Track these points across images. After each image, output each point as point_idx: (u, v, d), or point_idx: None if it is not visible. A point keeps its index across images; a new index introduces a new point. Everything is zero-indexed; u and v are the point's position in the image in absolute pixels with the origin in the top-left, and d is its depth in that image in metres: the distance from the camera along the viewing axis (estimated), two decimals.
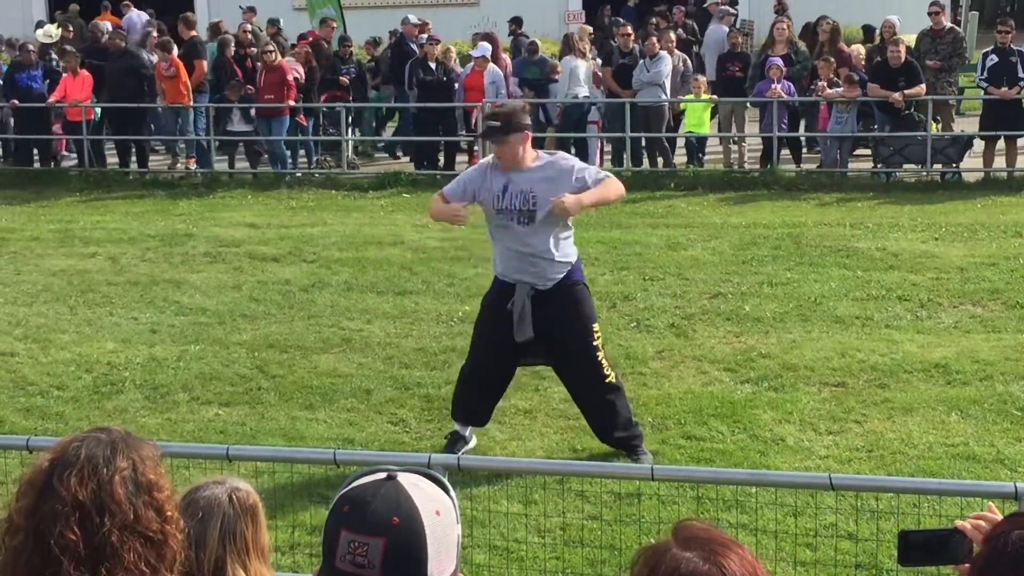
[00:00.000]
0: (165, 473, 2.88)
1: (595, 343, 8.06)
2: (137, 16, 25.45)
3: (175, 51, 19.73)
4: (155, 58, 19.97)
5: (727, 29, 21.33)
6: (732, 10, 22.80)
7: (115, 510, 2.69)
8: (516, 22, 23.46)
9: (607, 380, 8.09)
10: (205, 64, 20.24)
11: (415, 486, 2.46)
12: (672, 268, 13.02)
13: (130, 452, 2.79)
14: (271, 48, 19.18)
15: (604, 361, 8.11)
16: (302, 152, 20.16)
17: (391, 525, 2.39)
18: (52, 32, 22.87)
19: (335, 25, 22.06)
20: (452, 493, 2.53)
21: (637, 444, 8.18)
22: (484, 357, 8.21)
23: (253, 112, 19.32)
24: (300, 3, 26.85)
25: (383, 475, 2.48)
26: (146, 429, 8.72)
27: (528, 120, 7.93)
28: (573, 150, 18.87)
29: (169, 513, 2.80)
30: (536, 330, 7.94)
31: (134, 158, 19.85)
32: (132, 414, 9.30)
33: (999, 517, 2.87)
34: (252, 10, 23.13)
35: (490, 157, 8.21)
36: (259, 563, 3.65)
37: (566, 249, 8.03)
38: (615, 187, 7.93)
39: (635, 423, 8.30)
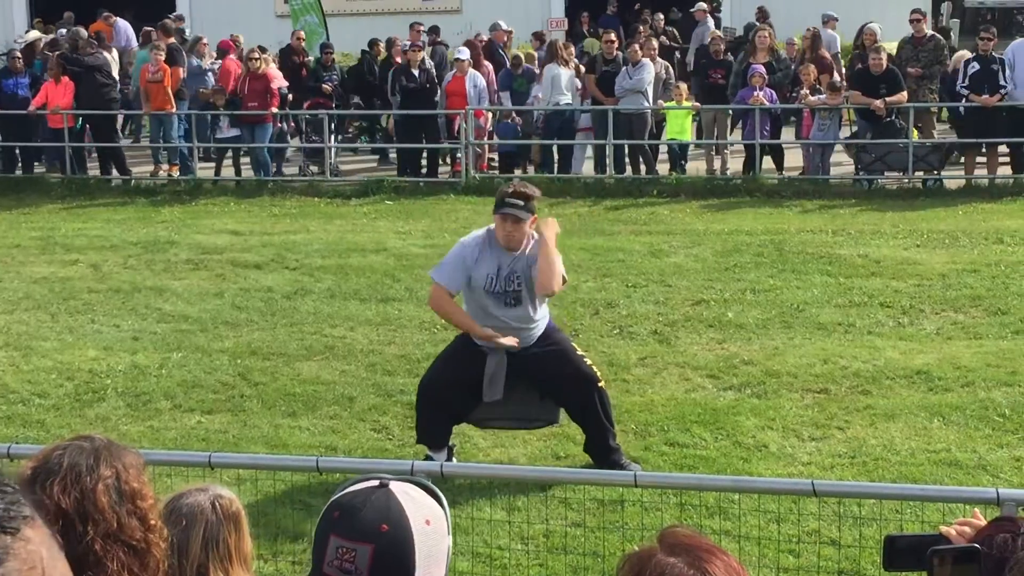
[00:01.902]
0: (148, 481, 2.87)
1: (580, 353, 8.15)
2: (123, 25, 25.44)
3: (162, 56, 19.72)
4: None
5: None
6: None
7: (98, 519, 2.68)
8: (434, 31, 23.35)
9: (599, 384, 8.09)
10: (181, 71, 20.24)
11: (406, 495, 2.47)
12: (655, 275, 13.03)
13: (113, 460, 2.78)
14: (256, 56, 19.18)
15: (593, 367, 8.14)
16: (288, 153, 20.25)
17: (380, 532, 2.39)
18: (31, 36, 22.97)
19: (422, 30, 21.99)
20: (445, 504, 2.54)
21: (619, 458, 8.16)
22: (444, 393, 8.07)
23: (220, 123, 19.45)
24: (283, 11, 26.85)
25: (375, 483, 2.48)
26: (128, 437, 8.68)
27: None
28: (556, 156, 18.97)
29: (152, 522, 2.79)
30: (522, 379, 7.97)
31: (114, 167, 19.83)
32: (114, 422, 9.27)
33: (984, 523, 2.88)
34: (180, 18, 23.29)
35: (483, 232, 7.97)
36: (242, 570, 3.64)
37: (543, 312, 8.05)
38: (560, 267, 7.84)
39: (614, 435, 8.29)
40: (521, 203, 7.65)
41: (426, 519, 2.45)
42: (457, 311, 7.97)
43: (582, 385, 8.02)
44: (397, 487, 2.48)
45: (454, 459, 8.30)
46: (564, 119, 18.88)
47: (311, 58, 21.36)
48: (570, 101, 18.77)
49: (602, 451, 8.13)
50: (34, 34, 23.32)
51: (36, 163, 20.59)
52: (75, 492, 2.69)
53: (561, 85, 18.66)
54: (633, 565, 2.30)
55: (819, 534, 6.94)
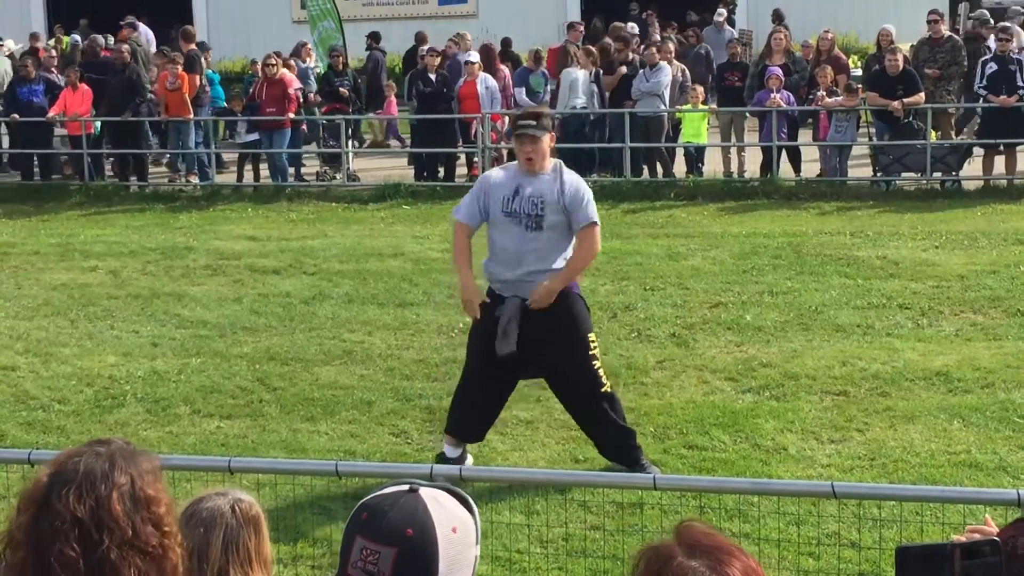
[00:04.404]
0: (164, 485, 2.87)
1: (591, 352, 7.97)
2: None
3: (179, 67, 19.79)
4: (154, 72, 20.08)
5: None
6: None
7: (113, 527, 2.69)
8: (373, 36, 23.31)
9: (603, 389, 7.99)
10: (198, 78, 20.29)
11: (435, 500, 2.47)
12: (672, 278, 13.02)
13: (128, 467, 2.78)
14: (272, 61, 19.25)
15: (601, 372, 8.03)
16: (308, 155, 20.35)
17: (404, 536, 2.40)
18: (12, 46, 23.10)
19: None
20: (476, 513, 2.53)
21: (639, 457, 8.11)
22: (476, 372, 8.10)
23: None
24: (300, 16, 26.91)
25: (406, 487, 2.49)
26: (147, 442, 8.71)
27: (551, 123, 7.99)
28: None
29: (167, 527, 2.80)
30: (530, 342, 7.84)
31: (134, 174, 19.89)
32: (133, 427, 9.29)
33: (995, 529, 2.87)
34: (133, 26, 23.30)
35: (508, 166, 8.15)
36: (262, 574, 3.65)
37: (564, 262, 7.92)
38: (589, 250, 7.88)
39: (633, 435, 8.23)
40: (534, 123, 7.77)
41: (453, 527, 2.45)
42: (459, 251, 8.02)
43: (583, 392, 8.00)
44: (427, 493, 2.48)
45: (468, 458, 8.30)
46: (580, 122, 18.87)
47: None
48: (586, 104, 18.75)
49: (621, 453, 8.10)
50: (12, 44, 23.49)
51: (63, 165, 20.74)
52: (90, 500, 2.70)
53: (578, 88, 18.64)
54: (651, 563, 2.29)
55: (839, 536, 6.93)
